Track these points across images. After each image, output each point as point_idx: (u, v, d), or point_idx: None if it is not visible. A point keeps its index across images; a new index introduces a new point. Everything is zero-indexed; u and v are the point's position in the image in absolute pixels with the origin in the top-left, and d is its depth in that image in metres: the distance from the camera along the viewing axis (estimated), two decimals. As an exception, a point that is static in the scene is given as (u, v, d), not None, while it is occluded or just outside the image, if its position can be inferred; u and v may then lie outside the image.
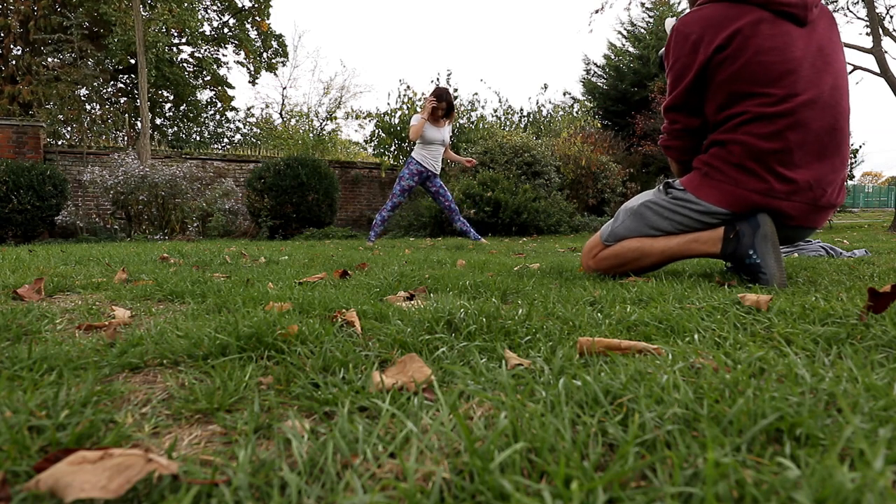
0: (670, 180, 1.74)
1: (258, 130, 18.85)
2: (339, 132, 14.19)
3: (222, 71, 17.86)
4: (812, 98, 1.49)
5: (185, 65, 17.09)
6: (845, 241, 4.39)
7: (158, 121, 17.70)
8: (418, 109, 10.21)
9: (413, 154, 5.18)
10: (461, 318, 1.00)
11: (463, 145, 9.70)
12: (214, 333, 0.88)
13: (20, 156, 7.98)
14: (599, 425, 0.52)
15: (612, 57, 16.24)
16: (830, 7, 10.72)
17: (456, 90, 10.93)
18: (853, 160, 9.98)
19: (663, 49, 1.91)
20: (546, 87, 22.15)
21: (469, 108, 10.93)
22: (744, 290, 1.36)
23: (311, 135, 13.24)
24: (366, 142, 11.59)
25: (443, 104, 5.01)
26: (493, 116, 12.40)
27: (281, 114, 17.89)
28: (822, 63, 1.53)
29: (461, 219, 5.38)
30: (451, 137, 5.41)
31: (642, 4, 15.95)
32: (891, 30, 10.12)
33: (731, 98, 1.55)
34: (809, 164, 1.52)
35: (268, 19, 17.17)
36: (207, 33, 16.89)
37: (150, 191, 7.20)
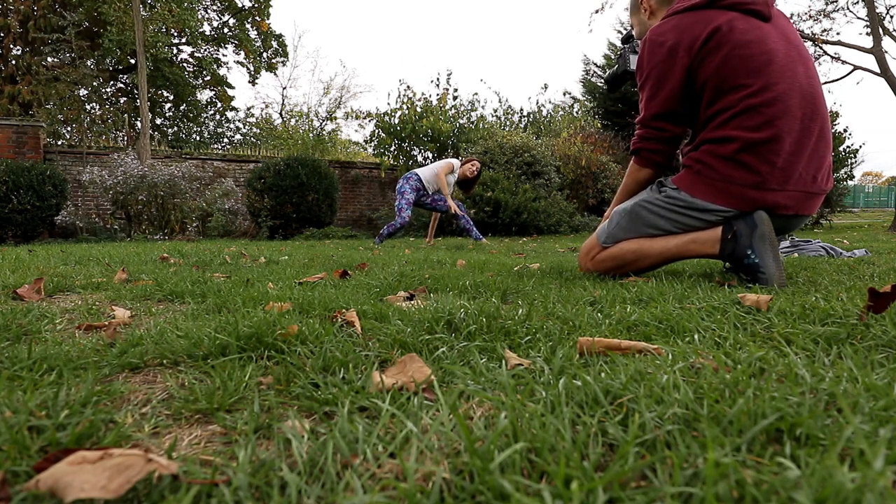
0: (662, 178, 1.75)
1: (258, 130, 18.86)
2: (339, 132, 14.21)
3: (222, 71, 17.87)
4: (791, 87, 1.54)
5: (184, 65, 17.09)
6: (845, 241, 4.39)
7: (158, 121, 17.70)
8: (418, 109, 10.20)
9: (420, 172, 5.24)
10: (461, 318, 1.00)
11: (463, 145, 9.71)
12: (214, 333, 0.88)
13: (20, 156, 7.98)
14: (599, 425, 0.52)
15: (612, 57, 16.22)
16: (830, 7, 10.73)
17: (456, 90, 10.93)
18: (853, 160, 9.96)
19: (618, 66, 1.97)
20: (546, 87, 22.20)
21: (469, 108, 10.93)
22: (744, 290, 1.36)
23: (311, 135, 13.25)
24: (366, 142, 11.58)
25: (476, 174, 5.45)
26: (493, 116, 12.41)
27: (281, 114, 17.90)
28: (795, 53, 1.60)
29: (466, 216, 5.40)
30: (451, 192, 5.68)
31: (642, 4, 15.93)
32: (891, 30, 10.13)
33: (716, 93, 1.58)
34: (799, 151, 1.56)
35: (268, 19, 17.17)
36: (207, 33, 16.89)
37: (150, 191, 7.20)
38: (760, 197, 1.55)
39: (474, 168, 5.40)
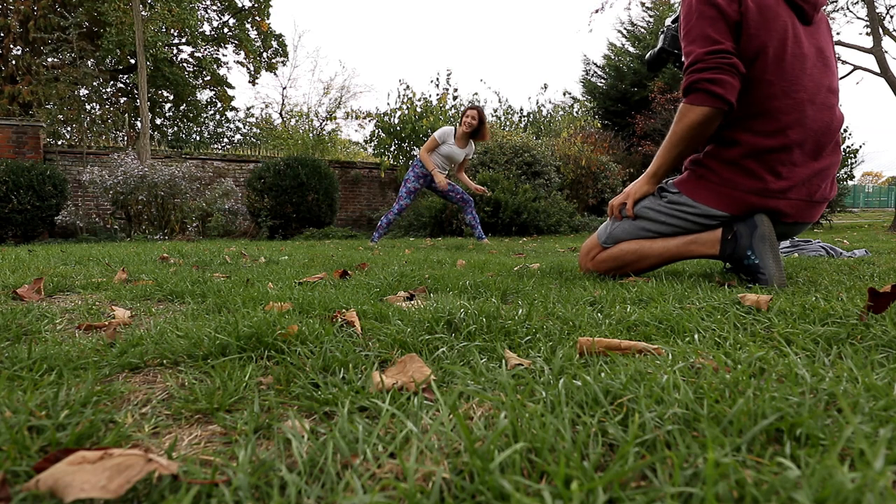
0: (665, 182, 1.74)
1: (258, 130, 18.87)
2: (338, 132, 14.20)
3: (222, 71, 17.85)
4: (811, 97, 1.51)
5: (184, 65, 17.09)
6: (845, 241, 4.39)
7: (158, 121, 17.69)
8: (418, 109, 10.20)
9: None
10: (461, 318, 1.00)
11: (463, 145, 9.69)
12: (214, 333, 0.88)
13: (20, 156, 7.97)
14: (599, 425, 0.52)
15: (612, 57, 16.22)
16: (830, 7, 10.73)
17: (456, 90, 10.93)
18: (853, 160, 9.96)
19: (661, 44, 1.89)
20: (546, 87, 22.22)
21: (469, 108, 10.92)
22: (744, 290, 1.36)
23: (311, 135, 13.25)
24: (366, 142, 11.59)
25: (475, 122, 4.81)
26: (492, 116, 12.41)
27: (281, 114, 17.90)
28: (822, 65, 1.55)
29: (473, 212, 5.25)
30: (472, 155, 5.13)
31: (642, 4, 15.93)
32: (891, 30, 10.13)
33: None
34: (806, 163, 1.54)
35: (268, 19, 17.16)
36: (207, 33, 16.88)
37: (150, 191, 7.20)
38: (762, 203, 1.54)
39: (469, 119, 4.73)
